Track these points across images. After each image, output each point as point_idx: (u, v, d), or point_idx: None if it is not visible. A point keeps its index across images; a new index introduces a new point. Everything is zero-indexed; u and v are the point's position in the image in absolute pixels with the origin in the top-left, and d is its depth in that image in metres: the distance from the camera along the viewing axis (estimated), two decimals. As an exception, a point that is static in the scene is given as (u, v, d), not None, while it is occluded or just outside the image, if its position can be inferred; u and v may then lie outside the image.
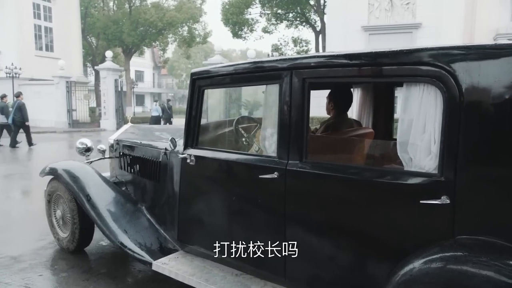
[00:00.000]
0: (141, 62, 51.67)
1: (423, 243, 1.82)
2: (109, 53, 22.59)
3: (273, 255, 2.37)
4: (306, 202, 2.23)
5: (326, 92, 3.14)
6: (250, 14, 27.86)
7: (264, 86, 2.47)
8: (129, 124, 4.70)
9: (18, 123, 13.13)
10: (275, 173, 2.29)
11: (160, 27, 28.88)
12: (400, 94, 2.41)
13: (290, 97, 2.25)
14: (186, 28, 31.35)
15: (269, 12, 27.68)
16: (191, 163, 2.80)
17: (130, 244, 3.18)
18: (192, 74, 2.84)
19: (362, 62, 2.01)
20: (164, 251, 3.14)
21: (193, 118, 2.85)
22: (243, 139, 3.12)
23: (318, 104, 3.96)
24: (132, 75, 41.41)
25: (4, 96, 13.83)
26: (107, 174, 4.43)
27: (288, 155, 2.28)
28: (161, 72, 57.49)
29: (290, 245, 2.28)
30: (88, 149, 4.30)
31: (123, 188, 4.04)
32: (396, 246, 1.92)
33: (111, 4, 31.93)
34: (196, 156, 2.78)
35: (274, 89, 2.38)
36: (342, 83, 2.97)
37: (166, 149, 3.14)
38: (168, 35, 31.97)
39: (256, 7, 27.61)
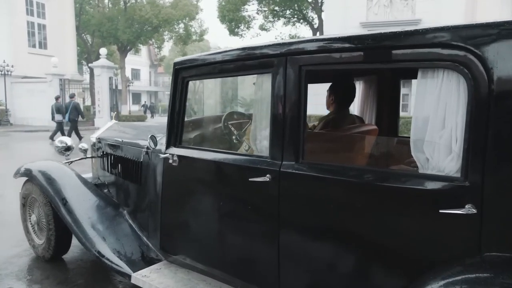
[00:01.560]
0: (138, 60, 51.19)
1: (442, 261, 1.53)
2: (103, 51, 22.19)
3: (265, 268, 2.07)
4: (302, 209, 1.92)
5: (324, 90, 2.84)
6: (246, 11, 27.49)
7: (255, 76, 2.16)
8: (113, 121, 4.37)
9: (73, 121, 14.23)
10: (267, 175, 1.99)
11: (156, 24, 28.46)
12: (404, 88, 2.10)
13: (284, 88, 1.95)
14: (182, 25, 30.94)
15: (266, 9, 27.31)
16: (173, 164, 2.49)
17: (108, 253, 2.87)
18: (175, 64, 2.53)
19: (369, 45, 1.70)
20: (146, 261, 2.83)
21: (176, 114, 2.54)
22: (233, 137, 2.81)
23: (316, 101, 3.66)
24: (128, 73, 40.97)
25: (58, 97, 15.43)
26: (89, 175, 4.13)
27: (282, 155, 1.97)
28: (157, 70, 56.98)
29: (284, 256, 1.98)
30: (68, 148, 3.98)
31: (105, 191, 3.74)
32: (409, 263, 1.62)
33: (106, 1, 31.46)
34: (179, 156, 2.47)
35: (265, 79, 2.07)
36: (344, 72, 2.67)
37: (147, 148, 2.83)
38: (164, 33, 31.54)
39: (253, 4, 27.23)
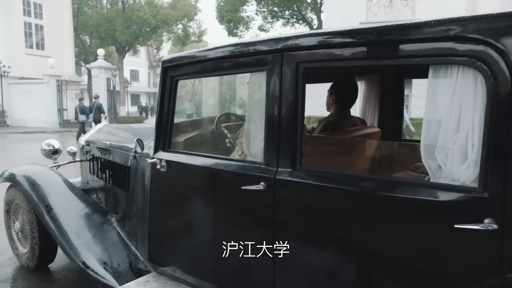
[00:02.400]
0: (137, 61, 50.96)
1: (458, 283, 1.35)
2: (101, 51, 22.00)
3: (260, 282, 1.90)
4: (300, 221, 1.75)
5: (324, 90, 2.66)
6: (245, 12, 27.35)
7: (249, 74, 1.99)
8: (104, 122, 4.19)
9: (97, 121, 14.18)
10: (261, 183, 1.81)
11: (154, 25, 28.28)
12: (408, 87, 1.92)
13: (280, 87, 1.77)
14: (180, 26, 30.77)
15: (265, 9, 27.17)
16: (162, 170, 2.31)
17: (94, 264, 2.69)
18: (164, 62, 2.35)
19: (374, 39, 1.52)
20: (133, 273, 2.65)
21: (165, 116, 2.36)
22: (227, 141, 2.63)
23: (316, 102, 3.49)
24: (127, 75, 40.79)
25: (82, 98, 15.79)
26: (77, 179, 3.95)
27: (278, 161, 1.80)
28: (156, 72, 56.76)
29: (280, 270, 1.80)
30: (55, 151, 3.80)
31: (94, 196, 3.56)
32: (418, 285, 1.45)
33: (104, 1, 31.30)
34: (168, 161, 2.29)
35: (260, 77, 1.89)
36: (346, 70, 2.49)
37: (135, 152, 2.65)
38: (162, 34, 31.36)
39: (252, 5, 27.10)
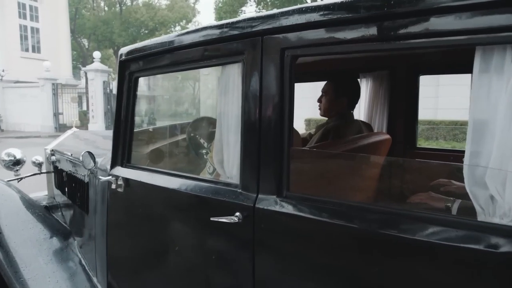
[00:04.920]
0: (136, 64, 50.61)
1: None
2: (97, 54, 21.54)
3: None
4: (287, 267, 1.27)
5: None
6: (244, 13, 26.92)
7: (220, 68, 1.51)
8: (74, 128, 3.72)
9: None
10: (236, 214, 1.33)
11: (152, 27, 27.90)
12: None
13: (260, 84, 1.30)
14: (178, 28, 30.38)
15: (264, 10, 26.78)
16: (118, 190, 1.83)
17: (45, 302, 2.22)
18: (120, 55, 1.89)
19: (394, 11, 1.04)
20: (92, 313, 2.18)
21: (123, 122, 1.89)
22: (203, 152, 2.15)
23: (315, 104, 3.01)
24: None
25: None
26: (42, 194, 3.48)
27: (258, 185, 1.32)
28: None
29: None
30: (17, 162, 3.32)
31: (59, 214, 3.09)
32: None
33: (102, 4, 30.97)
34: (126, 179, 1.82)
35: (233, 71, 1.42)
36: (348, 61, 2.02)
37: (94, 166, 2.18)
38: (160, 36, 30.97)
39: (251, 6, 26.70)
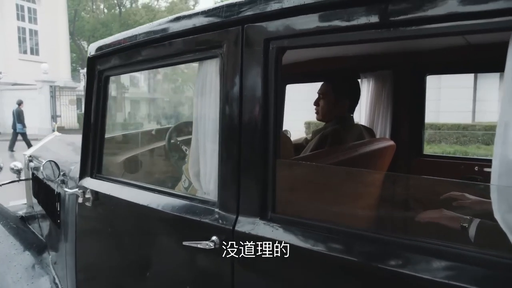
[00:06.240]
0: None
1: None
2: (95, 56, 21.38)
3: None
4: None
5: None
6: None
7: (197, 64, 1.29)
8: (55, 133, 3.50)
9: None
10: (213, 238, 1.11)
11: (151, 29, 27.76)
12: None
13: (241, 81, 1.08)
14: (178, 30, 30.24)
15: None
16: (86, 204, 1.61)
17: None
18: (90, 52, 1.67)
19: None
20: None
21: (93, 127, 1.67)
22: (186, 161, 1.93)
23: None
24: (127, 80, 40.24)
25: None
26: (22, 202, 3.26)
27: (238, 204, 1.10)
28: (156, 77, 56.30)
29: None
30: (-7, 169, 3.11)
31: (36, 225, 2.86)
32: None
33: (101, 6, 30.86)
34: (94, 192, 1.60)
35: (210, 68, 1.20)
36: (347, 61, 1.80)
37: (64, 175, 1.96)
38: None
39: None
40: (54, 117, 21.17)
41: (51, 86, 20.90)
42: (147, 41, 1.36)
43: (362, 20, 0.88)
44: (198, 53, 1.21)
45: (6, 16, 22.91)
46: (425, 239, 0.87)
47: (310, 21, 0.95)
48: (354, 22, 0.89)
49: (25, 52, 24.50)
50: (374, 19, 0.86)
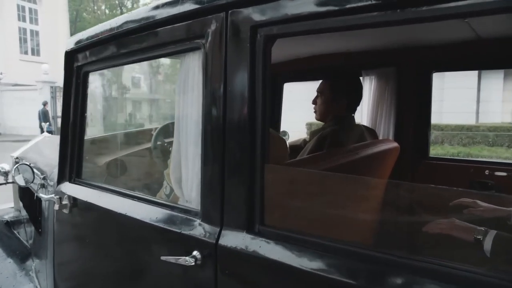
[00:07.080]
0: (138, 68, 50.60)
1: None
2: (95, 57, 21.33)
3: None
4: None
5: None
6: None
7: (180, 59, 1.16)
8: (44, 134, 3.38)
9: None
10: (194, 253, 0.98)
11: (153, 29, 27.70)
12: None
13: (225, 75, 0.95)
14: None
15: None
16: (64, 211, 1.48)
17: None
18: (67, 47, 1.54)
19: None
20: None
21: (71, 127, 1.54)
22: (168, 163, 1.79)
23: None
24: (129, 81, 40.25)
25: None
26: (9, 206, 3.13)
27: (222, 214, 0.97)
28: (158, 78, 56.38)
29: None
30: (-21, 171, 2.98)
31: (22, 230, 2.73)
32: None
33: (103, 7, 30.85)
34: (72, 198, 1.46)
35: (192, 62, 1.07)
36: (348, 53, 1.66)
37: (44, 179, 1.83)
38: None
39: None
40: (54, 118, 21.07)
41: (51, 87, 20.82)
42: (125, 32, 1.23)
43: (363, 1, 0.75)
44: (179, 45, 1.07)
45: (7, 17, 22.87)
46: (435, 259, 0.73)
47: (303, 4, 0.82)
48: (353, 4, 0.76)
49: (26, 52, 24.45)
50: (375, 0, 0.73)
